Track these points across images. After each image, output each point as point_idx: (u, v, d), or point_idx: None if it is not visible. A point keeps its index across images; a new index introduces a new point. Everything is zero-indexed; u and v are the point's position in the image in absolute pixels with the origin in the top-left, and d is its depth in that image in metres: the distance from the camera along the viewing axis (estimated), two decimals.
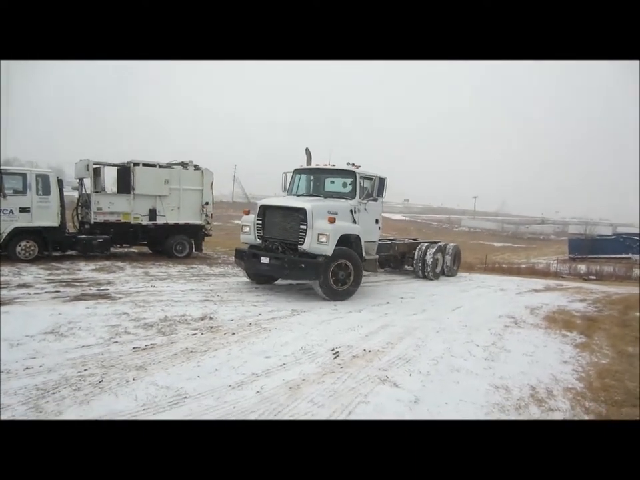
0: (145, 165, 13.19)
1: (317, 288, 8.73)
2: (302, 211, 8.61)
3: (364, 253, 9.37)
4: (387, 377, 4.72)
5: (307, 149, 10.79)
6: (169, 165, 13.91)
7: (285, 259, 8.57)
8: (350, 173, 9.68)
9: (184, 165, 14.12)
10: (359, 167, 9.76)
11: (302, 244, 8.61)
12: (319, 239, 8.44)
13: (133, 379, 4.25)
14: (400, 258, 13.36)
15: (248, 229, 9.50)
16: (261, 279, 10.01)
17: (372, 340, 6.13)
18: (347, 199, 9.49)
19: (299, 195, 9.99)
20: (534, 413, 4.02)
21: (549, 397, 4.44)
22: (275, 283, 10.25)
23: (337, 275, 8.68)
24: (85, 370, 4.41)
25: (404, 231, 44.66)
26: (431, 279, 12.81)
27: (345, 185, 9.86)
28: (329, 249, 8.40)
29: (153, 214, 13.18)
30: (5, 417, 3.36)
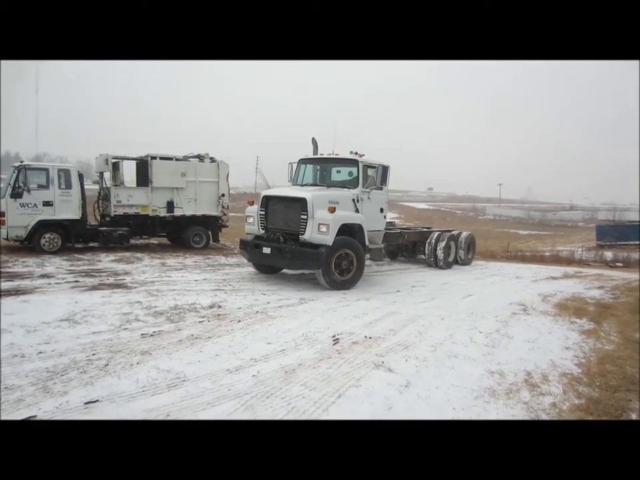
0: (162, 158, 13.51)
1: (319, 277, 8.74)
2: (302, 201, 8.62)
3: (367, 242, 9.32)
4: (382, 362, 4.81)
5: (313, 139, 10.72)
6: (185, 158, 14.19)
7: (285, 249, 8.65)
8: (352, 162, 9.59)
9: (200, 158, 14.38)
10: (363, 155, 9.66)
11: (303, 234, 8.63)
12: (320, 228, 8.44)
13: (137, 363, 4.48)
14: (411, 247, 13.26)
15: (252, 219, 9.54)
16: (266, 269, 10.06)
17: (375, 327, 6.21)
18: (350, 187, 9.45)
19: (303, 185, 9.96)
20: (524, 397, 4.06)
21: (543, 381, 4.45)
22: (288, 273, 10.39)
23: (339, 264, 8.70)
24: (93, 354, 4.67)
25: (427, 220, 44.22)
26: (443, 268, 12.67)
27: (350, 174, 9.77)
28: (329, 239, 8.40)
29: (170, 206, 13.50)
30: (6, 415, 3.41)
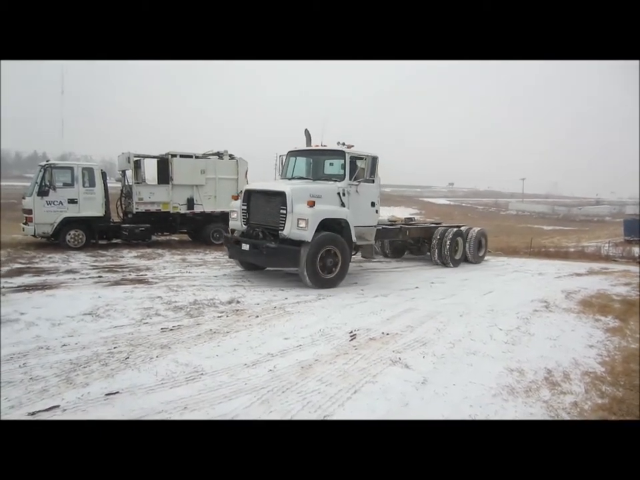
0: (182, 156, 13.71)
1: (302, 276, 8.34)
2: (282, 195, 8.24)
3: (354, 238, 8.88)
4: (399, 358, 4.78)
5: (306, 130, 10.15)
6: (205, 155, 14.37)
7: (262, 246, 8.27)
8: (339, 153, 9.09)
9: (219, 155, 14.55)
10: (352, 146, 9.14)
11: (282, 229, 8.24)
12: (299, 223, 8.04)
13: (157, 357, 4.57)
14: (415, 244, 12.72)
15: (235, 214, 9.22)
16: (250, 265, 9.70)
17: (392, 323, 6.18)
18: (336, 180, 8.99)
19: (292, 179, 9.53)
20: (544, 396, 3.98)
21: (564, 380, 4.36)
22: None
23: (324, 262, 8.32)
24: (114, 347, 4.78)
25: (448, 216, 43.76)
26: (449, 266, 11.96)
27: (343, 166, 9.12)
28: (308, 235, 7.99)
29: (190, 203, 13.71)
30: (31, 405, 3.48)
